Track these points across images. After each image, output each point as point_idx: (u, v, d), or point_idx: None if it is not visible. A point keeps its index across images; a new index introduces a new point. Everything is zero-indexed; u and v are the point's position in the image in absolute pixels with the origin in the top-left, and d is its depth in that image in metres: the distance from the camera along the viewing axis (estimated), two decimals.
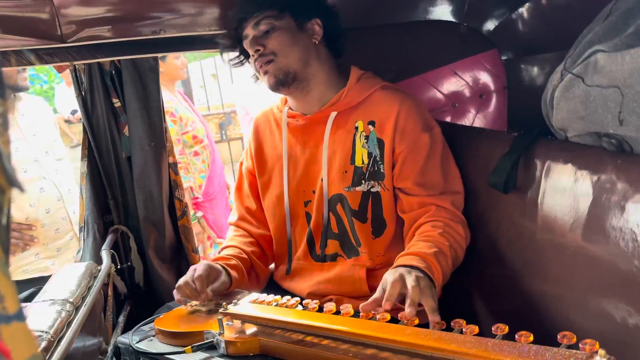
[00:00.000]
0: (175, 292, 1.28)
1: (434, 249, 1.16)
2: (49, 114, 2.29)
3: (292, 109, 1.42)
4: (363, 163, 1.33)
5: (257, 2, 1.29)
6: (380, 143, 1.32)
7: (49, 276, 2.08)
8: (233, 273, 1.33)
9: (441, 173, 1.31)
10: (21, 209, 2.03)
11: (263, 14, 1.28)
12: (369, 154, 1.33)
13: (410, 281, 1.03)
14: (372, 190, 1.34)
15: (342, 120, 1.35)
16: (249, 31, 1.30)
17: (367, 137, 1.32)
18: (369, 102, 1.34)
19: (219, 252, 1.45)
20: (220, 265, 1.32)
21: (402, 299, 1.04)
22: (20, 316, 0.32)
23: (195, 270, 1.27)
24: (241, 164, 1.57)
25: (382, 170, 1.32)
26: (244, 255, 1.42)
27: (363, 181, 1.33)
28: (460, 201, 1.33)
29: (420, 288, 1.03)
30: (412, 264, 1.10)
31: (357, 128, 1.34)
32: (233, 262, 1.37)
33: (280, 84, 1.31)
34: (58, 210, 2.13)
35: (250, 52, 1.32)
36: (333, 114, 1.35)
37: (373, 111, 1.33)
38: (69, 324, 0.96)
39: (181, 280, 1.27)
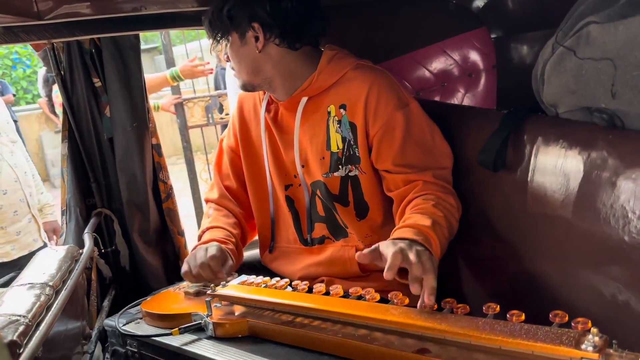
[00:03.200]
0: (186, 276, 1.26)
1: (430, 221, 1.13)
2: None
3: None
4: (338, 148, 1.31)
5: (208, 22, 1.30)
6: (353, 126, 1.29)
7: (11, 262, 2.07)
8: (232, 257, 1.33)
9: (421, 150, 1.28)
10: None
11: (215, 34, 1.30)
12: (343, 139, 1.30)
13: (412, 256, 1.00)
14: (350, 174, 1.33)
15: (314, 105, 1.32)
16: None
17: (339, 122, 1.30)
18: (341, 84, 1.30)
19: (204, 231, 1.42)
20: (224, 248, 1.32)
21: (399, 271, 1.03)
22: None
23: (207, 250, 1.26)
24: (222, 140, 1.55)
25: (357, 154, 1.30)
26: (233, 239, 1.40)
27: (340, 166, 1.32)
28: (445, 174, 1.30)
29: (422, 263, 1.00)
30: (410, 237, 1.07)
31: (329, 113, 1.31)
32: (231, 246, 1.36)
33: (245, 89, 1.37)
34: (15, 192, 2.11)
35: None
36: (303, 100, 1.32)
37: (344, 94, 1.29)
38: (48, 308, 0.93)
39: (196, 261, 1.25)
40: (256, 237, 1.57)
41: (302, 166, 1.36)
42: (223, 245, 1.32)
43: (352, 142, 1.30)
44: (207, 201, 1.54)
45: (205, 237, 1.38)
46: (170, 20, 1.55)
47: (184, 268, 1.27)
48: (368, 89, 1.26)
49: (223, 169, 1.53)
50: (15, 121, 7.09)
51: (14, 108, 8.30)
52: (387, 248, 1.03)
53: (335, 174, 1.33)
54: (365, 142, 1.29)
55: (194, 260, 1.26)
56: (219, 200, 1.51)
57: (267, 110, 1.40)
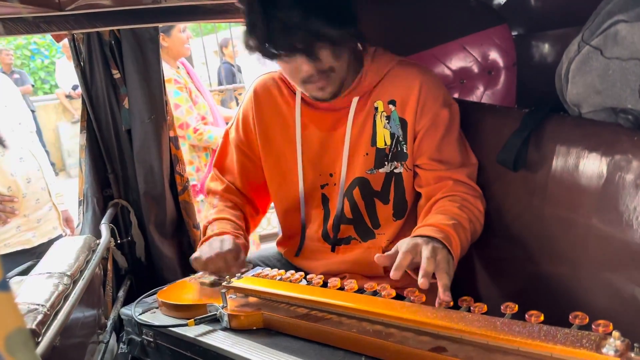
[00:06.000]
0: (196, 262, 1.24)
1: (453, 221, 1.12)
2: (13, 88, 2.30)
3: None
4: (385, 144, 1.29)
5: (317, 42, 1.12)
6: (403, 123, 1.28)
7: (31, 249, 2.08)
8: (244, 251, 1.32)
9: (458, 148, 1.29)
10: (3, 178, 2.02)
11: (330, 47, 1.13)
12: (392, 135, 1.29)
13: (425, 252, 1.00)
14: (395, 171, 1.31)
15: (361, 102, 1.30)
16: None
17: (388, 117, 1.28)
18: (387, 81, 1.29)
19: (212, 221, 1.39)
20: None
21: (413, 267, 1.02)
22: (4, 285, 0.29)
23: (223, 242, 1.25)
24: (227, 132, 1.49)
25: (405, 151, 1.29)
26: (241, 232, 1.39)
27: (386, 162, 1.30)
28: (475, 173, 1.30)
29: (436, 260, 0.99)
30: (429, 235, 1.06)
31: (376, 109, 1.29)
32: (241, 240, 1.34)
33: (335, 95, 1.25)
34: (38, 180, 2.13)
35: (307, 71, 1.16)
36: (355, 100, 1.29)
37: (392, 90, 1.28)
38: (66, 297, 0.94)
39: (211, 251, 1.23)
40: (261, 232, 1.56)
41: (346, 164, 1.33)
42: (237, 240, 1.31)
43: (400, 139, 1.29)
44: (209, 191, 1.49)
45: (215, 228, 1.35)
46: (190, 12, 1.55)
47: (196, 254, 1.25)
48: (419, 86, 1.26)
49: (227, 162, 1.48)
50: (32, 111, 7.19)
51: (31, 98, 8.40)
52: (401, 246, 1.03)
53: (380, 170, 1.31)
54: (413, 138, 1.28)
55: (209, 250, 1.24)
56: (223, 194, 1.47)
57: (301, 107, 1.34)
